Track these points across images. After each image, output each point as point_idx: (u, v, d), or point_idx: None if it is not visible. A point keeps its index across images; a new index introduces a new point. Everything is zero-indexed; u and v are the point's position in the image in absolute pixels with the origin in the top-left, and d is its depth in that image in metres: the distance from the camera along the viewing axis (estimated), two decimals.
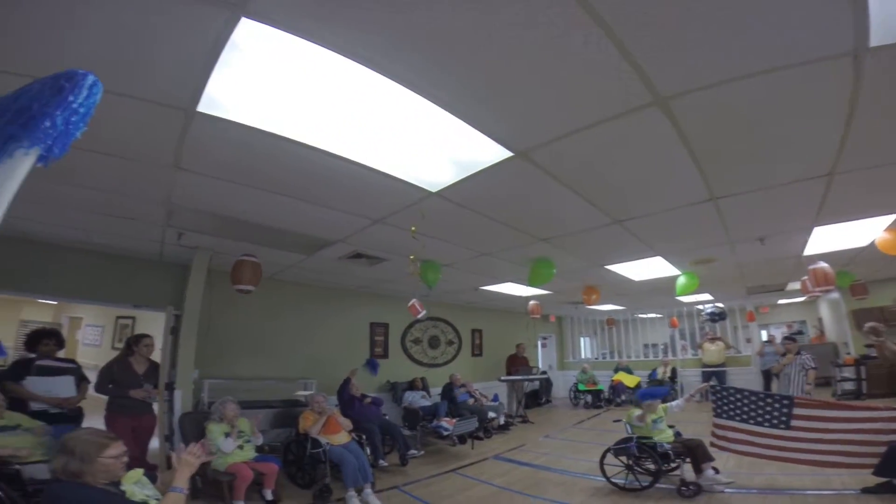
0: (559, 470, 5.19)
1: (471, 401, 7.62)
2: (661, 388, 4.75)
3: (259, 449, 4.10)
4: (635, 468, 4.26)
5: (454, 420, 6.20)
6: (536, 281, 5.62)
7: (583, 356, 13.05)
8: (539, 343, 11.82)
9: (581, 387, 10.58)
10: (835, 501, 3.54)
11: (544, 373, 10.67)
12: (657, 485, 4.10)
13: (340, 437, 4.61)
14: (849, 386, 8.54)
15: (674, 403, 4.59)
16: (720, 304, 10.64)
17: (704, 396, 6.94)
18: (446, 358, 9.05)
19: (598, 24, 1.65)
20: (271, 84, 2.01)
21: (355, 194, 3.39)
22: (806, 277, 5.52)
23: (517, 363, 9.47)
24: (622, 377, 10.48)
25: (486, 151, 2.70)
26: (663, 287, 8.05)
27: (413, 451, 5.44)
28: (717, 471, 4.03)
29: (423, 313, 5.16)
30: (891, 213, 4.35)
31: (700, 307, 11.10)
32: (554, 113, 2.32)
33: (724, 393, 4.51)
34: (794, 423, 3.99)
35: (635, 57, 1.83)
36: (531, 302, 7.85)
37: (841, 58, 1.84)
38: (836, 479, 3.92)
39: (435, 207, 3.61)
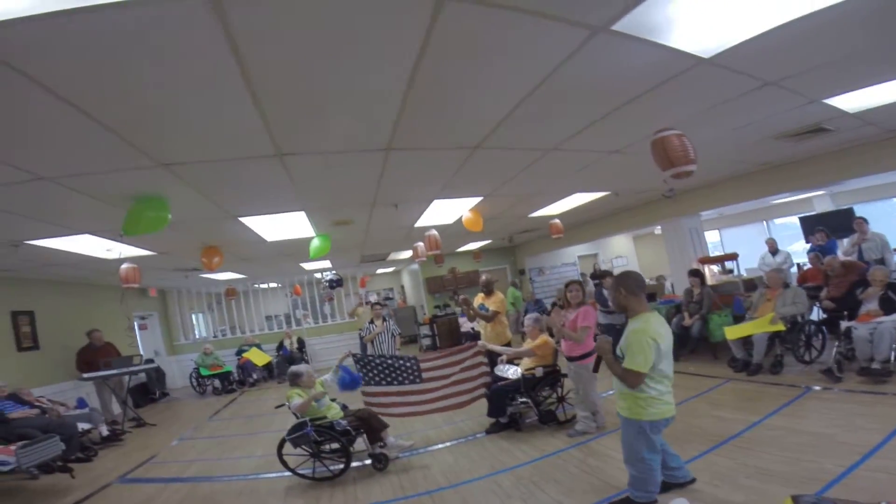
0: (225, 477, 4.19)
1: (32, 412, 4.98)
2: (355, 374, 4.47)
3: None
4: (321, 454, 3.80)
5: (12, 447, 3.95)
6: (137, 228, 3.85)
7: (198, 336, 11.17)
8: (136, 325, 9.10)
9: (204, 371, 8.98)
10: (474, 444, 4.30)
11: (150, 361, 8.29)
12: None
13: None
14: (427, 341, 11.17)
15: (326, 377, 4.27)
16: (336, 272, 11.46)
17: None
18: None
19: None
20: None
21: None
22: (419, 244, 6.50)
23: (100, 354, 6.85)
24: (252, 355, 9.58)
25: None
26: (293, 250, 7.73)
27: None
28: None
29: None
30: (478, 196, 5.64)
31: (318, 275, 11.61)
32: None
33: (366, 360, 4.58)
34: (424, 374, 4.52)
35: None
36: (125, 265, 5.58)
37: None
38: (466, 428, 4.77)
39: None
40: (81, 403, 6.02)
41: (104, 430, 5.90)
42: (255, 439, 5.39)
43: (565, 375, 4.50)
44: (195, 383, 9.07)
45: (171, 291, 10.63)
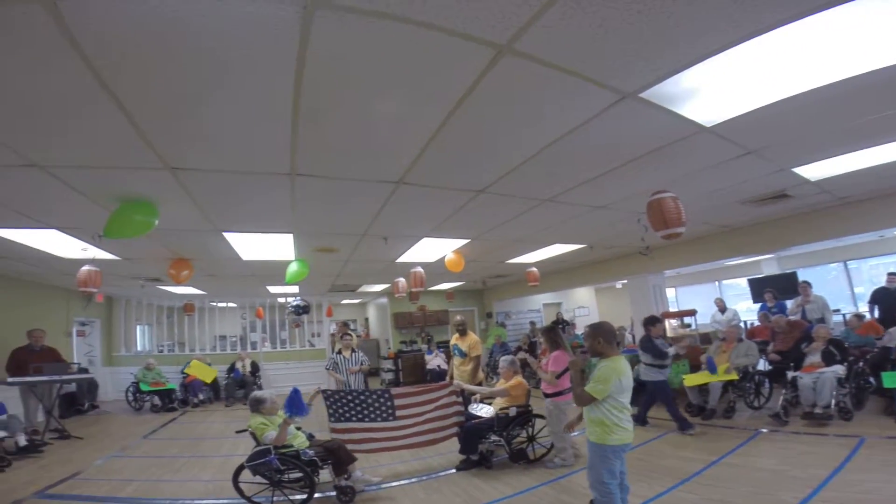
0: (168, 500, 3.90)
1: None
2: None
3: None
4: (282, 483, 3.62)
5: None
6: (121, 231, 3.73)
7: (139, 349, 10.54)
8: (74, 330, 8.49)
9: (144, 387, 8.52)
10: (445, 481, 4.22)
11: (85, 370, 7.81)
12: None
13: None
14: (390, 375, 10.90)
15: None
16: (302, 298, 11.13)
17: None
18: None
19: None
20: None
21: None
22: (400, 279, 6.54)
23: (37, 358, 6.27)
24: (195, 369, 9.17)
25: None
26: (265, 272, 7.56)
27: None
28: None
29: None
30: (465, 239, 5.81)
31: (282, 300, 11.24)
32: None
33: (336, 397, 4.47)
34: (398, 412, 4.45)
35: None
36: (85, 268, 5.23)
37: None
38: (435, 464, 4.68)
39: None
40: (0, 409, 5.46)
41: (22, 440, 5.38)
42: (203, 462, 5.07)
43: (537, 416, 4.66)
44: (132, 398, 8.59)
45: (118, 299, 10.01)
